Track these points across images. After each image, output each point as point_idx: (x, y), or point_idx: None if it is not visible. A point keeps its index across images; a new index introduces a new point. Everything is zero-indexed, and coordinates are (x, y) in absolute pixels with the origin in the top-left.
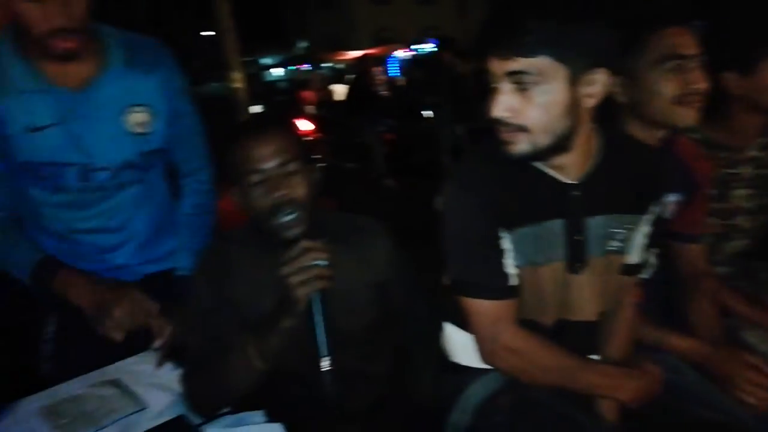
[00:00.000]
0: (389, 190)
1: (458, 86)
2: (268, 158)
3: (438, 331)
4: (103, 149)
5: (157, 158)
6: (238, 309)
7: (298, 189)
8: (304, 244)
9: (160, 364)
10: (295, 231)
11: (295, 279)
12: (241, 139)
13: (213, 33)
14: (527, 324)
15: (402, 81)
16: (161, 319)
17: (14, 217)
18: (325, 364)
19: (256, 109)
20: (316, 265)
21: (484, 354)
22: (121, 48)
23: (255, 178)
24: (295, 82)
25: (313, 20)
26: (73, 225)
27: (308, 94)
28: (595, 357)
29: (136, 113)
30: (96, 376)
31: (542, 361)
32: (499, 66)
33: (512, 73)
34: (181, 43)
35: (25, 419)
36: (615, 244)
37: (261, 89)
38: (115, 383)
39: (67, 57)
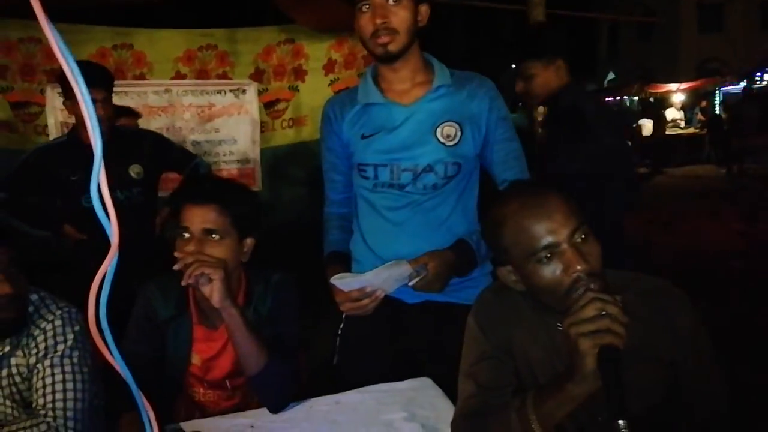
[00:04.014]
0: None
1: None
2: (559, 230)
3: None
4: (411, 152)
5: (455, 172)
6: (515, 361)
7: (593, 259)
8: (591, 293)
9: None
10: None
11: (579, 330)
12: (520, 215)
13: None
14: None
15: (723, 119)
16: None
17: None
18: None
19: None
20: (606, 315)
21: None
22: (447, 76)
23: (545, 254)
24: None
25: (627, 51)
26: (380, 222)
27: None
28: None
29: (447, 127)
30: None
31: None
32: None
33: None
34: (492, 77)
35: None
36: None
37: None
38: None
39: (387, 57)
